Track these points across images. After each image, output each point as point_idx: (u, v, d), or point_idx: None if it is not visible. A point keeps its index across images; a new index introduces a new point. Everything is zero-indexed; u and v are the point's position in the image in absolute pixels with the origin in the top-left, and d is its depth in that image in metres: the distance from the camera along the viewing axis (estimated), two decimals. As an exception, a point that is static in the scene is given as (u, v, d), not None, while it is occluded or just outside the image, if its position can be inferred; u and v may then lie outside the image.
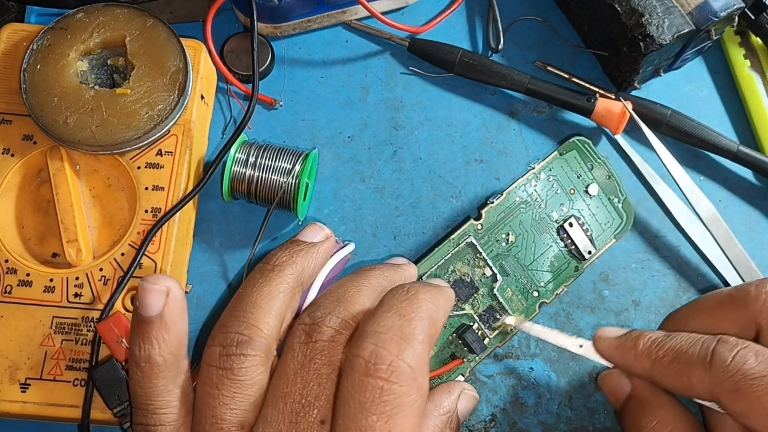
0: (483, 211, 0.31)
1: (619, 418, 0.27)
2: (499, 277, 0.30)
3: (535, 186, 0.32)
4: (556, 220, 0.31)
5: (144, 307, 0.25)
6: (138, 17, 0.30)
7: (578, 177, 0.32)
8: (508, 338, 0.30)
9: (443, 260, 0.31)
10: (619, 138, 0.34)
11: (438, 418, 0.27)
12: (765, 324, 0.24)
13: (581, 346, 0.28)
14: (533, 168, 0.32)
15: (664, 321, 0.29)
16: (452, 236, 0.31)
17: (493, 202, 0.31)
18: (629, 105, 0.33)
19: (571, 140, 0.32)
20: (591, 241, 0.31)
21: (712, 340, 0.23)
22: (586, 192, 0.32)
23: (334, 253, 0.30)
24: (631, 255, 0.33)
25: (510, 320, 0.30)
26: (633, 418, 0.26)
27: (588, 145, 0.32)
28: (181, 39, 0.30)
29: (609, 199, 0.32)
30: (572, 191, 0.32)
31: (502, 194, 0.31)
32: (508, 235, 0.31)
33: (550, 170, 0.32)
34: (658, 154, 0.33)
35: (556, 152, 0.32)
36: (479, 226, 0.31)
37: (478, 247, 0.31)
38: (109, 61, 0.31)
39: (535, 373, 0.31)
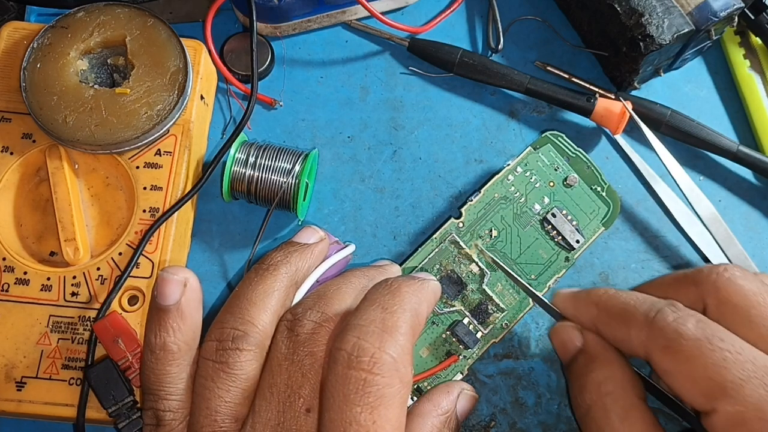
0: (463, 209, 0.31)
1: (566, 372, 0.28)
2: (486, 271, 0.30)
3: (512, 181, 0.32)
4: (538, 213, 0.32)
5: (162, 296, 0.26)
6: (138, 17, 0.31)
7: (555, 170, 0.32)
8: (504, 333, 0.30)
9: (427, 259, 0.31)
10: (619, 138, 0.34)
11: (436, 418, 0.27)
12: (711, 302, 0.24)
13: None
14: (509, 165, 0.32)
15: None
16: (434, 235, 0.31)
17: (471, 200, 0.31)
18: (629, 105, 0.33)
19: (544, 134, 0.33)
20: (578, 230, 0.31)
21: (663, 302, 0.24)
22: (566, 183, 0.32)
23: (335, 254, 0.30)
24: (631, 255, 0.33)
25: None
26: (580, 372, 0.26)
27: (562, 138, 0.33)
28: (181, 39, 0.31)
29: (591, 188, 0.32)
30: (551, 184, 0.32)
31: (480, 192, 0.32)
32: (491, 230, 0.31)
33: (526, 165, 0.32)
34: (658, 154, 0.33)
35: (530, 147, 0.32)
36: (461, 224, 0.31)
37: (462, 243, 0.31)
38: (109, 61, 0.31)
39: (535, 373, 0.31)
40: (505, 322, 0.30)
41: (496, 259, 0.30)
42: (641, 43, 0.31)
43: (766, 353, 0.22)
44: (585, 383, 0.26)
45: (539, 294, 0.29)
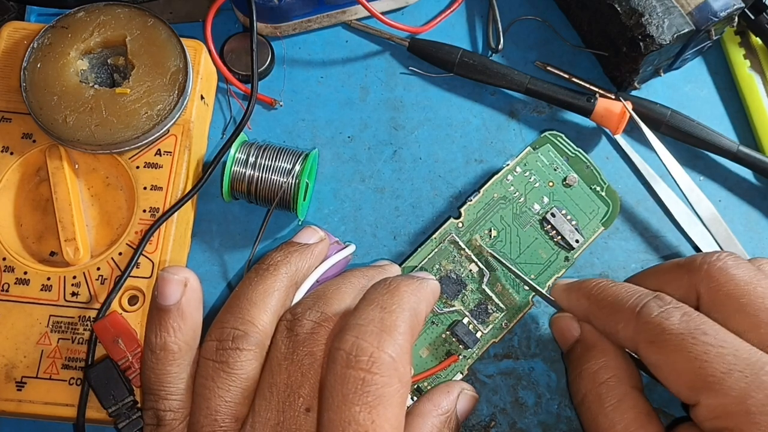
0: (462, 210, 0.31)
1: (565, 359, 0.28)
2: (485, 271, 0.30)
3: (512, 181, 0.32)
4: (538, 213, 0.32)
5: (162, 296, 0.27)
6: (138, 17, 0.31)
7: (555, 170, 0.32)
8: (504, 333, 0.30)
9: (427, 259, 0.31)
10: (619, 138, 0.34)
11: (436, 419, 0.27)
12: (703, 291, 0.25)
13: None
14: (508, 164, 0.32)
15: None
16: (434, 236, 0.31)
17: (471, 200, 0.31)
18: (629, 105, 0.33)
19: (543, 135, 0.33)
20: (577, 230, 0.31)
21: (649, 294, 0.24)
22: (566, 183, 0.32)
23: (335, 254, 0.30)
24: (631, 255, 0.33)
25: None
26: (578, 360, 0.27)
27: (561, 138, 0.33)
28: (181, 39, 0.31)
29: (591, 188, 0.32)
30: (551, 183, 0.32)
31: (479, 192, 0.32)
32: (490, 230, 0.31)
33: (525, 165, 0.32)
34: (658, 154, 0.33)
35: (529, 148, 0.33)
36: (460, 224, 0.31)
37: (461, 243, 0.31)
38: (109, 61, 0.31)
39: (535, 373, 0.31)
40: (505, 321, 0.30)
41: (495, 254, 0.30)
42: (641, 43, 0.31)
43: (755, 343, 0.22)
44: (581, 372, 0.26)
45: (539, 288, 0.30)
